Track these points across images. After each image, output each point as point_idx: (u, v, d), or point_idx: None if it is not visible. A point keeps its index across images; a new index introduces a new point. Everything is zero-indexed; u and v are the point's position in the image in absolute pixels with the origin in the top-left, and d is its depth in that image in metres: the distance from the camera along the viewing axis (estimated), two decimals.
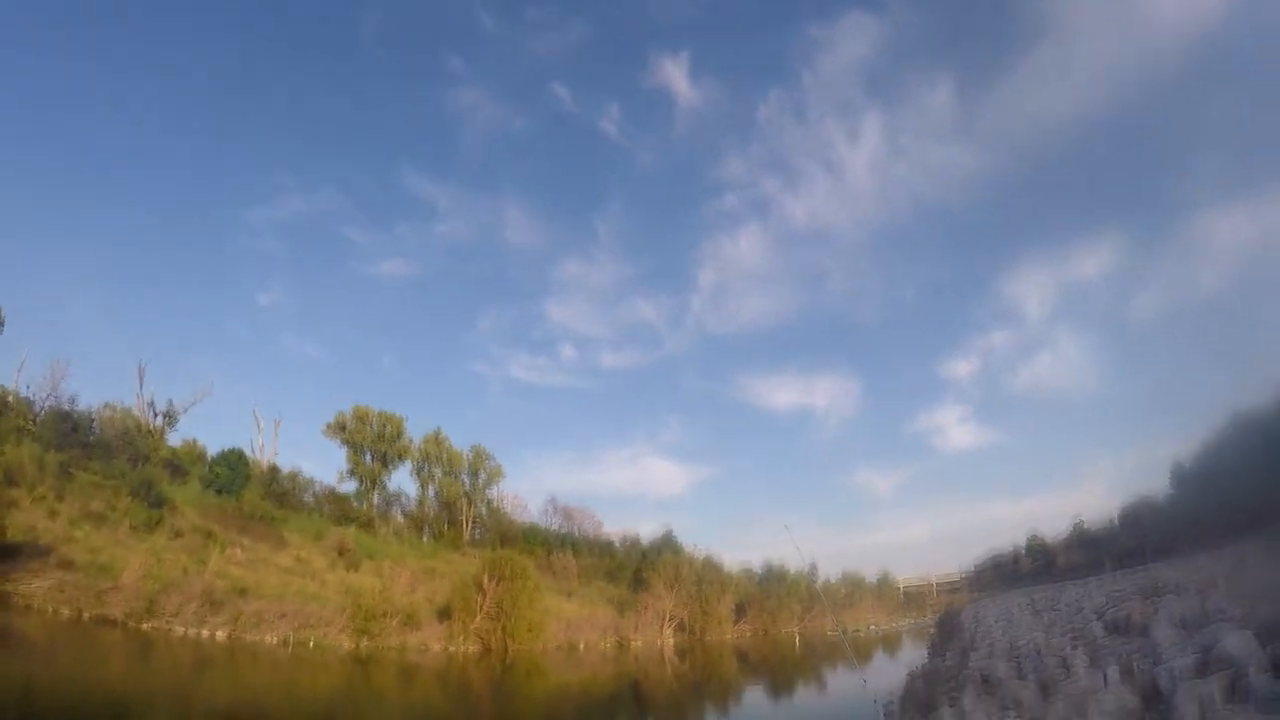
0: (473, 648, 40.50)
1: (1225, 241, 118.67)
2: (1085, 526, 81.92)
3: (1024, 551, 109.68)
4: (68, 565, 30.02)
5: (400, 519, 65.50)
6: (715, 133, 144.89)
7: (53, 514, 33.64)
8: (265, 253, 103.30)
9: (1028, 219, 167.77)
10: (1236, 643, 9.02)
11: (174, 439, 55.66)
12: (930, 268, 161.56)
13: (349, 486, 63.45)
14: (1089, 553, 70.94)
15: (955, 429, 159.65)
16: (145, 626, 30.11)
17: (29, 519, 32.02)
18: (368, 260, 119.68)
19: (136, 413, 52.53)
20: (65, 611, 28.37)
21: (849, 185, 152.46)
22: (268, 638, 33.68)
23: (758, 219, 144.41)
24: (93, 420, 47.11)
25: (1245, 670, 7.96)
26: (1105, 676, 10.65)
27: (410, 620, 40.15)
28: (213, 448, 55.16)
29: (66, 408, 45.83)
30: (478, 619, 41.29)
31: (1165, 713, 7.78)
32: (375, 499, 64.38)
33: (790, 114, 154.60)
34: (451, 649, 39.80)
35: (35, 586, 28.41)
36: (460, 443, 69.58)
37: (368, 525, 59.05)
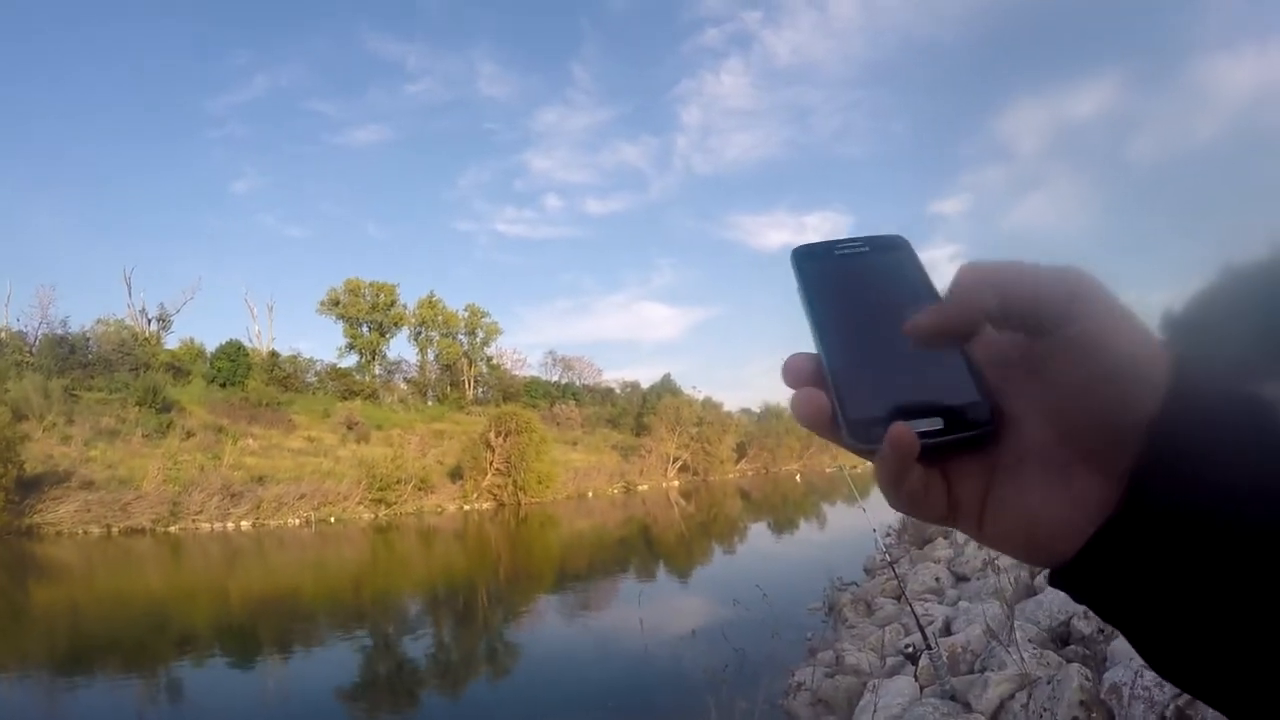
0: (486, 504, 42.35)
1: (1228, 88, 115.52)
2: None
3: None
4: (89, 485, 31.50)
5: (403, 386, 66.61)
6: None
7: (66, 439, 34.93)
8: (234, 139, 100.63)
9: (1021, 55, 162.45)
10: None
11: (171, 342, 56.43)
12: (921, 105, 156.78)
13: (349, 361, 64.28)
14: None
15: (947, 267, 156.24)
16: (172, 529, 31.84)
17: (43, 449, 33.36)
18: (340, 131, 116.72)
19: (130, 323, 53.03)
20: (95, 530, 30.01)
21: (834, 19, 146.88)
22: (290, 520, 35.47)
23: (740, 55, 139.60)
24: (88, 339, 47.77)
25: None
26: None
27: (424, 484, 41.88)
28: (210, 344, 55.88)
29: (60, 332, 46.56)
30: (488, 476, 42.99)
31: None
32: (376, 370, 65.35)
33: None
34: (466, 508, 41.70)
35: (62, 512, 29.94)
36: (454, 304, 70.09)
37: (372, 396, 60.38)
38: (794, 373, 0.47)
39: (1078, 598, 0.42)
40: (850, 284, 0.50)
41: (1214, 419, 0.36)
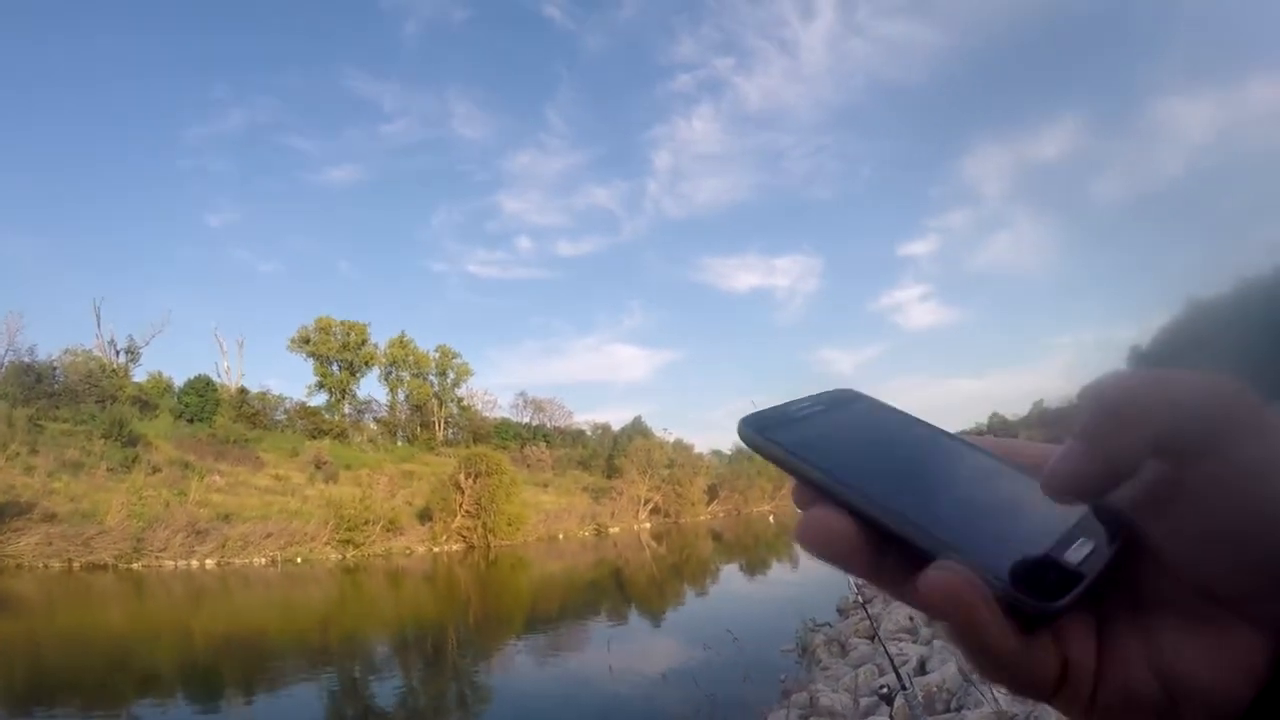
0: (456, 546, 41.98)
1: (1187, 129, 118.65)
2: (1045, 405, 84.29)
3: (986, 429, 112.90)
4: (51, 518, 30.90)
5: (373, 426, 66.23)
6: (664, 12, 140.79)
7: (29, 469, 34.29)
8: (209, 172, 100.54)
9: (986, 99, 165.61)
10: None
11: (139, 374, 55.65)
12: (888, 148, 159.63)
13: (319, 399, 63.82)
14: (1049, 431, 73.28)
15: (916, 307, 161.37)
16: (136, 566, 31.17)
17: (5, 478, 32.61)
18: (315, 169, 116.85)
19: (98, 353, 52.33)
20: (55, 564, 29.37)
21: (804, 64, 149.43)
22: (256, 559, 34.88)
23: (711, 100, 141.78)
24: (55, 368, 47.03)
25: None
26: None
27: (393, 525, 41.38)
28: (179, 378, 55.38)
29: (27, 360, 45.64)
30: (458, 518, 42.64)
31: None
32: (346, 409, 64.92)
33: None
34: (435, 550, 41.22)
35: (23, 544, 29.31)
36: (425, 344, 69.73)
37: (341, 436, 59.96)
38: (825, 536, 0.37)
39: None
40: (843, 436, 0.43)
41: None
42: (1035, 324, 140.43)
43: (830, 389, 0.49)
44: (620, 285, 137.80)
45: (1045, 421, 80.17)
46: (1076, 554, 0.35)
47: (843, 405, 0.47)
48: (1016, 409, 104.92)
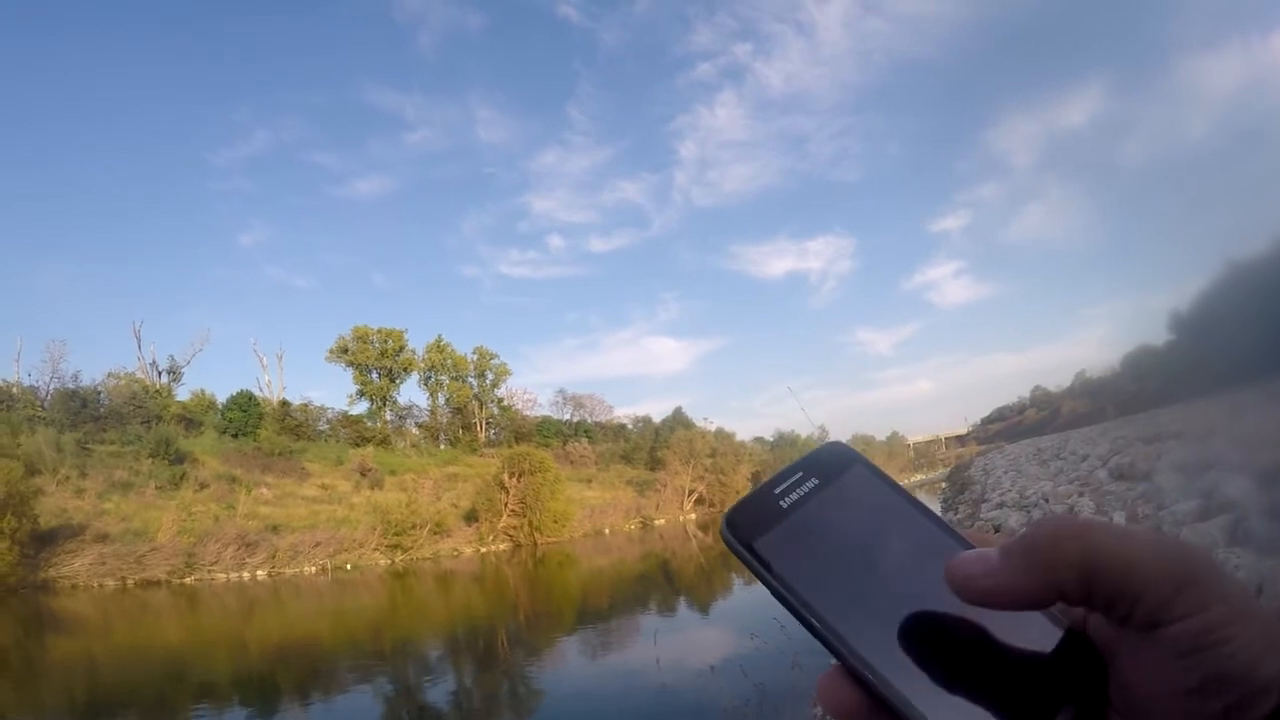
0: (503, 546, 42.11)
1: (1213, 86, 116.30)
2: (1088, 375, 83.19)
3: (1029, 403, 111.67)
4: (103, 538, 31.37)
5: (415, 431, 66.64)
6: (679, 2, 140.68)
7: (79, 492, 34.85)
8: (239, 192, 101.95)
9: (1010, 69, 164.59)
10: (1236, 487, 9.27)
11: (182, 393, 56.58)
12: (913, 124, 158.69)
13: (360, 407, 64.34)
14: (1092, 401, 72.30)
15: (951, 284, 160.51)
16: (188, 580, 31.64)
17: (57, 502, 33.19)
18: (342, 183, 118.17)
19: (140, 375, 53.25)
20: (110, 583, 29.84)
21: (823, 46, 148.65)
22: (306, 568, 35.24)
23: (733, 87, 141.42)
24: (99, 393, 47.81)
25: (1245, 514, 8.13)
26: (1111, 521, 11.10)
27: (439, 528, 41.58)
28: (221, 394, 56.24)
29: (71, 386, 46.78)
30: (504, 517, 42.77)
31: None
32: (388, 415, 65.38)
33: None
34: (483, 550, 41.42)
35: (77, 566, 29.79)
36: (463, 347, 70.21)
37: (384, 442, 60.30)
38: (835, 706, 0.37)
39: None
40: (830, 544, 0.40)
41: None
42: (1072, 295, 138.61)
43: (822, 445, 0.45)
44: (654, 278, 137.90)
45: (1088, 391, 79.14)
46: None
47: (832, 479, 0.43)
48: (1059, 380, 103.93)
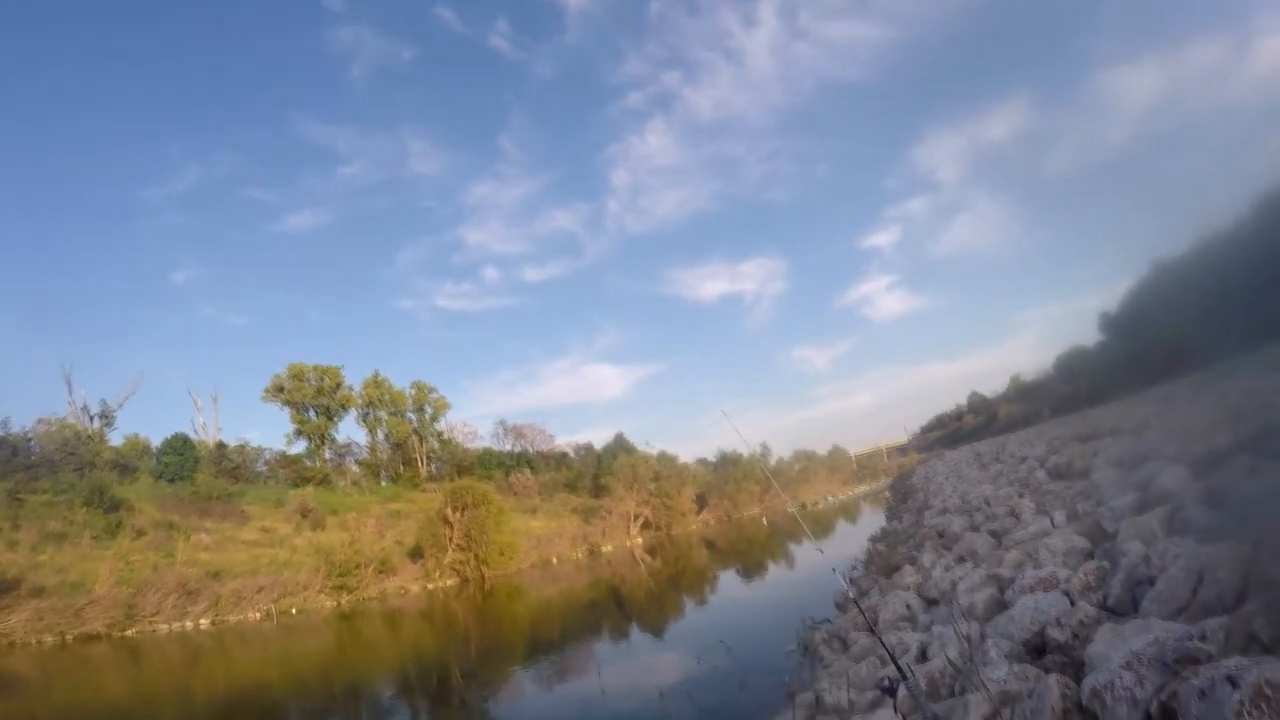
0: (450, 581, 42.02)
1: (1131, 96, 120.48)
2: (1022, 379, 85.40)
3: (966, 409, 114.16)
4: (39, 592, 30.70)
5: (355, 469, 66.24)
6: (609, 34, 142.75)
7: (12, 544, 34.08)
8: (170, 229, 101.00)
9: (934, 87, 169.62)
10: (1171, 478, 9.57)
11: (115, 438, 55.35)
12: (842, 144, 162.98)
13: (299, 447, 63.77)
14: (1028, 404, 74.18)
15: (884, 298, 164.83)
16: (130, 633, 31.06)
17: None
18: (276, 217, 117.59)
19: (72, 421, 52.12)
20: (48, 638, 29.17)
21: (751, 72, 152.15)
22: (250, 614, 34.80)
23: (663, 115, 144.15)
24: (30, 440, 46.78)
25: (1182, 504, 8.27)
26: (1052, 520, 11.37)
27: (385, 566, 41.41)
28: (156, 438, 55.31)
29: (0, 433, 45.63)
30: (450, 552, 42.69)
31: (1111, 550, 8.08)
32: (327, 454, 64.84)
33: (682, 6, 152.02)
34: (430, 586, 41.26)
35: (13, 621, 29.10)
36: (400, 382, 69.96)
37: (324, 481, 59.88)
38: None
39: None
40: None
41: None
42: (1004, 302, 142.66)
43: None
44: (590, 305, 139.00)
45: (1023, 395, 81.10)
46: None
47: None
48: (995, 386, 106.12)
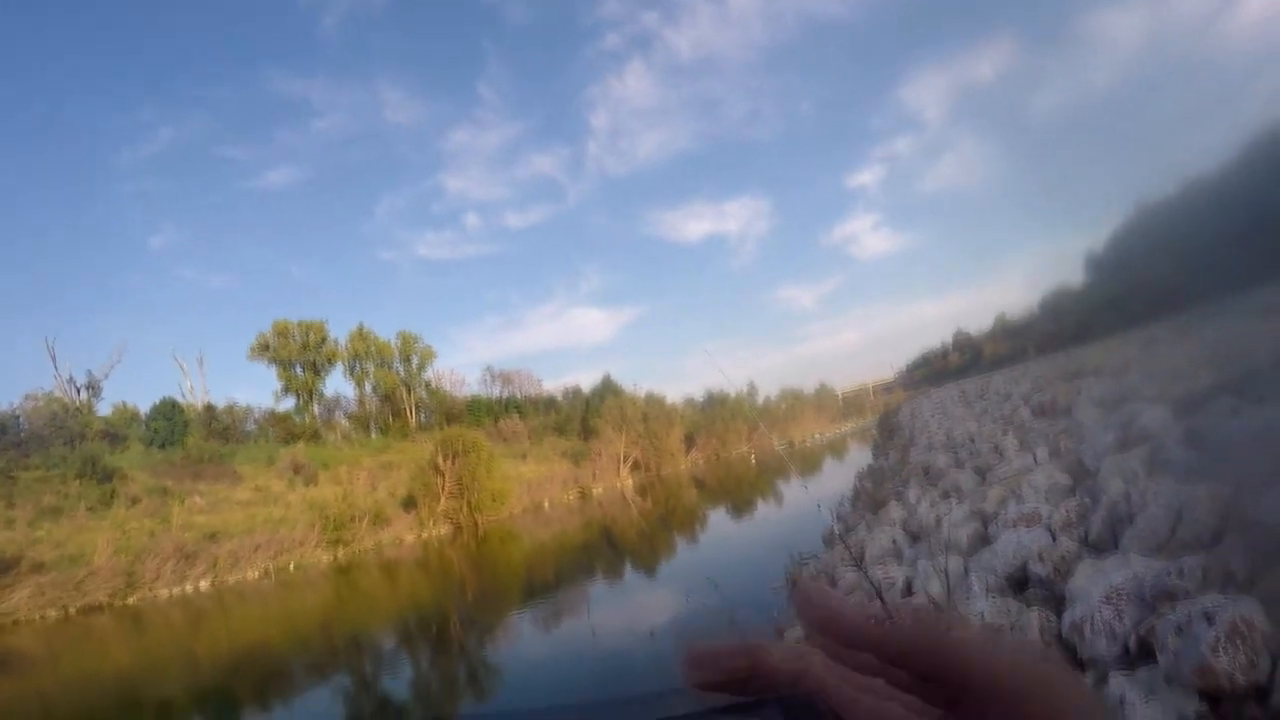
0: (443, 529, 42.30)
1: (1119, 38, 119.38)
2: (1007, 318, 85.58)
3: (952, 348, 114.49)
4: (39, 568, 30.84)
5: (345, 423, 66.03)
6: None
7: (9, 523, 34.13)
8: (147, 194, 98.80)
9: (920, 25, 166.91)
10: (1153, 417, 9.73)
11: (104, 408, 55.16)
12: (825, 83, 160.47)
13: (287, 404, 63.50)
14: (1013, 343, 74.44)
15: (869, 236, 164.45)
16: (131, 600, 31.32)
17: None
18: (252, 175, 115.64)
19: (59, 394, 51.86)
20: (52, 613, 29.37)
21: (732, 9, 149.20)
22: (249, 574, 35.07)
23: (641, 55, 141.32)
24: (17, 417, 46.53)
25: (1163, 443, 8.39)
26: (1035, 457, 11.53)
27: (379, 518, 41.72)
28: (144, 405, 54.98)
29: None
30: (442, 501, 42.92)
31: (1092, 487, 8.16)
32: (316, 409, 64.68)
33: None
34: (424, 535, 41.56)
35: (16, 599, 29.26)
36: (386, 333, 69.25)
37: (315, 437, 59.78)
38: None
39: None
40: None
41: None
42: (990, 242, 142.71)
43: None
44: (573, 250, 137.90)
45: (1009, 334, 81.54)
46: None
47: None
48: (980, 324, 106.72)
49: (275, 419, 61.02)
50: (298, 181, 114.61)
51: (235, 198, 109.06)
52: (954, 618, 0.28)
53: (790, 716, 0.34)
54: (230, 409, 59.22)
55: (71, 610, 29.77)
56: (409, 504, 44.08)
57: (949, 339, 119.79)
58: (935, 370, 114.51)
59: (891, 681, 0.35)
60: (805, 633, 0.37)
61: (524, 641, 16.37)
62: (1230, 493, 5.73)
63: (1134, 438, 9.39)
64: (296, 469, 49.23)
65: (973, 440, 17.44)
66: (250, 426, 59.75)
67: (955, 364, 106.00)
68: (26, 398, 48.56)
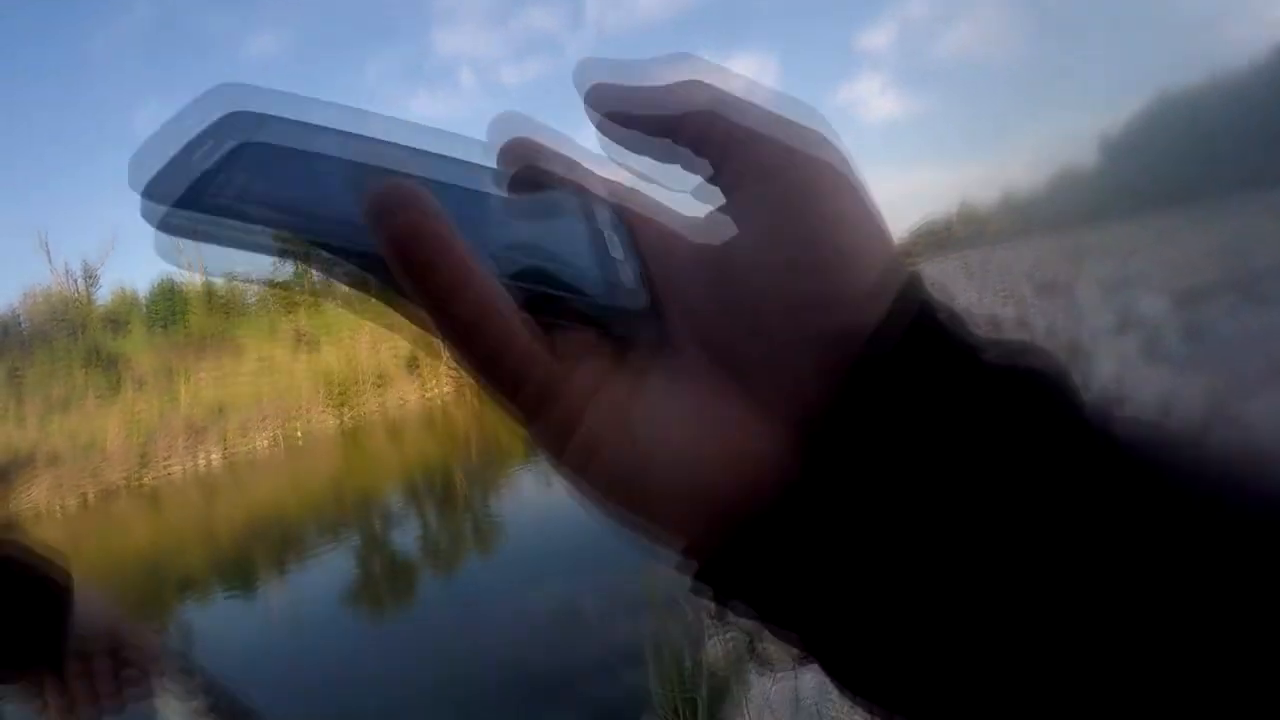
0: (447, 388, 42.92)
1: None
2: (1014, 194, 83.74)
3: (956, 220, 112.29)
4: (54, 460, 31.89)
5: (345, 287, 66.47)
6: None
7: (20, 421, 35.03)
8: (128, 68, 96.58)
9: None
10: (1153, 305, 9.90)
11: (103, 295, 55.39)
12: None
13: (286, 270, 63.88)
14: (1018, 219, 72.80)
15: (877, 99, 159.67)
16: (146, 481, 32.62)
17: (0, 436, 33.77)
18: (237, 43, 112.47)
19: (57, 288, 52.18)
20: (71, 501, 30.57)
21: None
22: (259, 443, 36.31)
23: None
24: (18, 316, 47.26)
25: (1162, 332, 8.48)
26: (1032, 333, 11.85)
27: (382, 379, 42.72)
28: (143, 288, 55.29)
29: None
30: (445, 358, 43.38)
31: (1086, 367, 7.54)
32: (315, 275, 64.92)
33: None
34: (428, 395, 42.48)
35: (36, 494, 30.43)
36: None
37: (315, 303, 60.17)
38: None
39: (727, 589, 0.27)
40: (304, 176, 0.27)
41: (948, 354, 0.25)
42: (1002, 113, 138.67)
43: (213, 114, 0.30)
44: (571, 109, 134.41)
45: (1015, 209, 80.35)
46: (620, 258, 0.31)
47: (246, 133, 0.29)
48: (986, 197, 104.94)
49: (275, 287, 61.20)
50: (284, 47, 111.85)
51: (219, 67, 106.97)
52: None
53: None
54: (229, 278, 59.33)
55: (90, 497, 31.06)
56: (412, 365, 44.63)
57: (954, 209, 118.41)
58: (939, 239, 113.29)
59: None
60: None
61: (527, 495, 16.86)
62: (1221, 388, 5.98)
63: (1132, 322, 9.58)
64: (299, 336, 49.65)
65: (971, 312, 17.62)
66: (250, 299, 60.07)
67: (959, 234, 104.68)
68: (25, 296, 49.19)
